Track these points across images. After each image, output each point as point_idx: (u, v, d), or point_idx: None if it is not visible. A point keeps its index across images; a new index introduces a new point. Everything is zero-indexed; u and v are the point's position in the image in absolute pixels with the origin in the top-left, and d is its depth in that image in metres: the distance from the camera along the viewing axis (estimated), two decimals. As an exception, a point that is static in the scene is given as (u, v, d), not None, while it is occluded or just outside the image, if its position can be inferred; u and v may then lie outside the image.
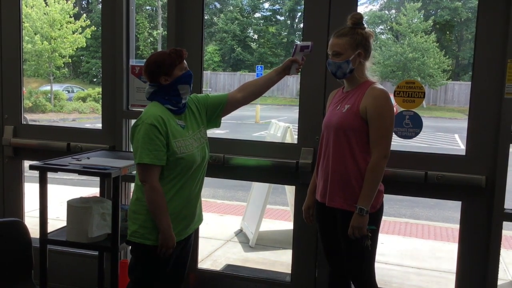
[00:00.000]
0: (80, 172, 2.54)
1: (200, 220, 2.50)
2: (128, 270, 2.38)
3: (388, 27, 28.10)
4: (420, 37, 23.75)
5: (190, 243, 2.51)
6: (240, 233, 5.25)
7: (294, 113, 6.19)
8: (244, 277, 3.26)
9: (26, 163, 3.53)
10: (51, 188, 2.72)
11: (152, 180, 2.19)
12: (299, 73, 2.62)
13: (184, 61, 2.30)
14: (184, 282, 2.57)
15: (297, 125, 3.05)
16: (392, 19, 27.92)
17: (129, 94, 3.23)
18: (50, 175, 2.67)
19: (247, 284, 3.17)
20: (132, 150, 2.30)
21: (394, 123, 2.34)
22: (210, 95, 2.53)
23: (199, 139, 2.36)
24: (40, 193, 2.59)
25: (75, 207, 2.59)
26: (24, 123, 3.55)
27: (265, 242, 4.98)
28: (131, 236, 2.30)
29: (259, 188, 5.06)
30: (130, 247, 2.37)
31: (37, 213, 2.60)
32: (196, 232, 3.13)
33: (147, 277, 2.34)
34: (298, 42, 2.46)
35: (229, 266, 4.28)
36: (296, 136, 3.13)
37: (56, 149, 3.30)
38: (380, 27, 29.63)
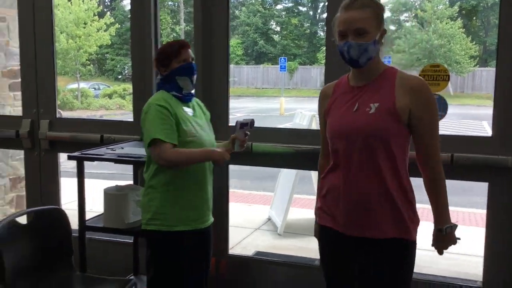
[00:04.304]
0: (115, 161, 2.66)
1: (211, 217, 2.47)
2: (146, 267, 2.36)
3: (413, 15, 27.70)
4: (446, 23, 23.38)
5: (210, 236, 2.49)
6: (268, 222, 5.34)
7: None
8: (273, 262, 3.34)
9: (62, 156, 3.69)
10: (88, 182, 2.83)
11: (166, 155, 2.17)
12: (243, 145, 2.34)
13: (188, 53, 2.31)
14: (214, 269, 2.63)
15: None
16: (417, 6, 27.50)
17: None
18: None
19: (276, 268, 3.25)
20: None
21: None
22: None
23: (207, 130, 2.41)
24: (78, 182, 2.71)
25: (112, 195, 2.71)
26: (59, 117, 3.70)
27: (293, 229, 5.06)
28: (146, 224, 2.30)
29: (285, 178, 5.14)
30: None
31: (71, 205, 2.72)
32: (225, 221, 3.22)
33: (167, 266, 2.32)
34: (239, 120, 2.33)
35: (258, 253, 4.37)
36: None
37: (90, 141, 3.43)
38: (405, 14, 29.26)
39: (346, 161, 1.86)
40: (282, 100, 18.64)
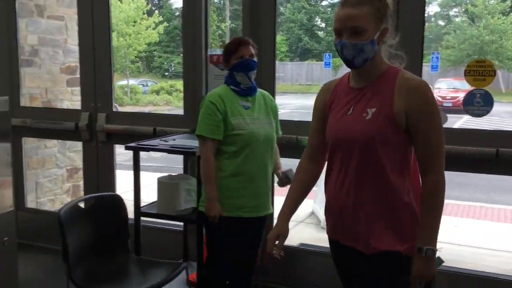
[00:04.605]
0: (168, 151, 2.82)
1: (267, 209, 2.64)
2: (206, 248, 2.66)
3: (463, 10, 26.91)
4: (498, 18, 22.59)
5: (261, 228, 2.66)
6: (311, 215, 5.42)
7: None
8: (317, 252, 3.43)
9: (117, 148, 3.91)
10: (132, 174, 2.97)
11: (206, 153, 2.47)
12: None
13: (246, 50, 2.48)
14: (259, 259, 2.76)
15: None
16: (467, 1, 26.71)
17: (208, 81, 3.49)
18: (131, 162, 2.96)
19: (320, 259, 3.34)
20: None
21: None
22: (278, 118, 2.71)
23: (264, 124, 2.55)
24: (134, 170, 2.89)
25: (165, 183, 2.88)
26: (115, 111, 3.92)
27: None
28: (199, 205, 2.62)
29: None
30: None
31: (124, 196, 2.89)
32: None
33: (208, 246, 2.60)
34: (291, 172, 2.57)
35: (302, 244, 4.46)
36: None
37: (143, 133, 3.62)
38: (455, 9, 28.45)
39: (343, 170, 1.74)
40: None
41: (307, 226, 5.09)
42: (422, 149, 1.66)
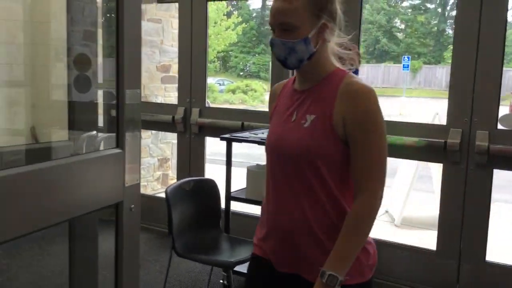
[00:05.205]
0: (259, 143, 3.14)
1: None
2: None
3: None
4: None
5: None
6: (385, 213, 5.56)
7: (440, 104, 6.24)
8: (392, 244, 3.63)
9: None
10: (215, 167, 3.27)
11: None
12: None
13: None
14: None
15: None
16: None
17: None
18: (213, 156, 3.29)
19: (395, 251, 3.54)
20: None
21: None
22: None
23: None
24: (227, 158, 3.25)
25: (253, 172, 3.21)
26: (207, 106, 4.32)
27: (410, 223, 5.25)
28: None
29: (404, 172, 5.34)
30: None
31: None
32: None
33: None
34: None
35: (374, 239, 4.64)
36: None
37: (232, 127, 3.98)
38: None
39: (275, 183, 1.52)
40: (402, 99, 18.36)
41: (381, 224, 5.25)
42: (355, 163, 1.42)
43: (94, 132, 2.26)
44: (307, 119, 1.46)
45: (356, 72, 2.68)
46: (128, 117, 1.64)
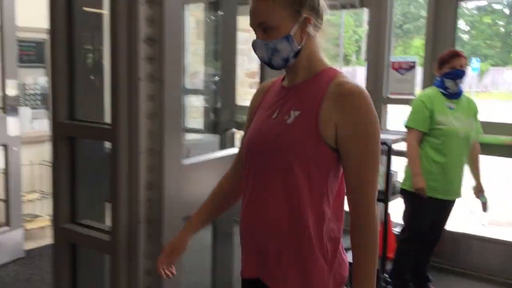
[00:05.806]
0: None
1: (458, 195, 3.13)
2: None
3: None
4: None
5: (448, 210, 3.16)
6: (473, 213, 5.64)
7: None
8: (481, 238, 3.78)
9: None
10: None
11: (411, 140, 3.00)
12: None
13: (457, 61, 2.95)
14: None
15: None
16: None
17: (388, 84, 4.01)
18: None
19: (483, 244, 3.70)
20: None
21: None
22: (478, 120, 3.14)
23: (465, 124, 3.01)
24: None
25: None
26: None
27: (498, 222, 5.34)
28: (402, 184, 3.18)
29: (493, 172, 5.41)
30: None
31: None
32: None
33: (410, 218, 3.15)
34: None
35: (465, 234, 4.75)
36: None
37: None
38: None
39: (253, 182, 1.43)
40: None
41: (470, 223, 5.34)
42: (351, 170, 1.33)
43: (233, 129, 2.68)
44: (291, 115, 1.36)
45: (462, 73, 2.93)
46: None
